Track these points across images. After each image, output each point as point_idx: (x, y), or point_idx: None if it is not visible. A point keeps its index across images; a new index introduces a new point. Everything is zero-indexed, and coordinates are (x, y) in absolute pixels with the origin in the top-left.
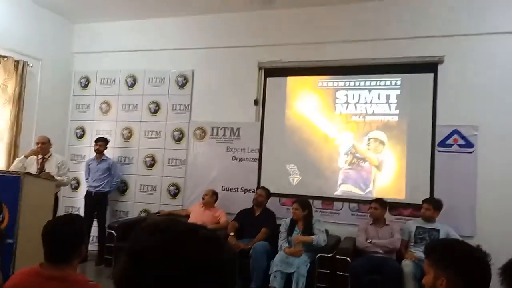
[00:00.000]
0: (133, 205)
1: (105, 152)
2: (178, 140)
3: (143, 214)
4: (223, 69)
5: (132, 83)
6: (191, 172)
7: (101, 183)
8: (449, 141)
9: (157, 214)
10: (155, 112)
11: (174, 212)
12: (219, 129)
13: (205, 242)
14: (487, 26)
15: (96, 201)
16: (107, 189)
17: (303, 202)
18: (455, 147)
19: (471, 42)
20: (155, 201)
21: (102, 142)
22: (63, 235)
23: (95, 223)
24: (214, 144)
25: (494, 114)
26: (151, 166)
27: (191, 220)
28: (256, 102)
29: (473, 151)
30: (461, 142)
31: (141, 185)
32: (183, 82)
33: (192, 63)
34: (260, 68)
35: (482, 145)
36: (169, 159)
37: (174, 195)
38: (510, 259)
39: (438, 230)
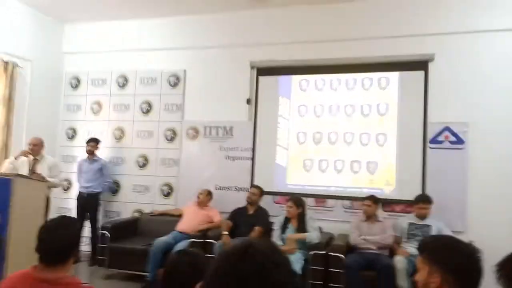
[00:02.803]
0: (126, 205)
1: (97, 152)
2: (171, 139)
3: (135, 214)
4: (215, 68)
5: (123, 83)
6: (184, 171)
7: (93, 183)
8: (440, 138)
9: (150, 214)
10: (147, 112)
11: (167, 212)
12: (212, 128)
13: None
14: (477, 24)
15: (88, 202)
16: (99, 190)
17: (297, 199)
18: (446, 144)
19: (461, 40)
20: (148, 201)
21: (93, 143)
22: (59, 238)
23: (87, 223)
24: (207, 144)
25: (484, 111)
26: (143, 166)
27: (184, 219)
28: (248, 101)
29: (463, 148)
30: (452, 138)
31: (133, 185)
32: (175, 81)
33: (184, 63)
34: (252, 67)
35: (473, 142)
36: (161, 158)
37: (167, 194)
38: (506, 255)
39: (430, 226)
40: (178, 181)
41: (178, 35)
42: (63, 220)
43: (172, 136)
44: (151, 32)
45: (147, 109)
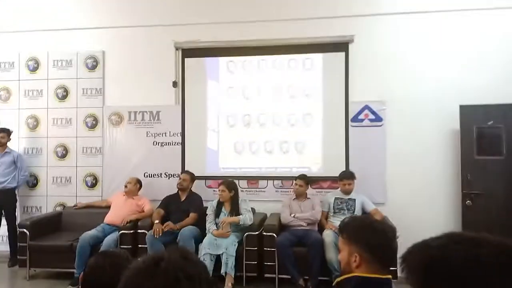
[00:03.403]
0: (47, 199)
1: (8, 144)
2: (92, 127)
3: (58, 208)
4: (137, 49)
5: (34, 66)
6: (109, 160)
7: (7, 178)
8: (361, 116)
9: (74, 208)
10: (63, 97)
11: (93, 204)
12: (137, 113)
13: None
14: (394, 6)
15: (3, 199)
16: (14, 185)
17: (229, 183)
18: (366, 122)
19: (379, 22)
20: (71, 193)
21: (3, 133)
22: None
23: (4, 221)
24: (132, 130)
25: (400, 90)
26: (63, 156)
27: (112, 210)
28: (175, 84)
29: (382, 125)
30: (372, 116)
31: (53, 177)
32: (93, 64)
33: (102, 44)
34: (177, 49)
35: (390, 119)
36: (83, 147)
37: (92, 185)
38: (409, 247)
39: (354, 200)
40: (103, 170)
41: (95, 13)
42: None
43: (93, 123)
44: (64, 10)
45: (64, 94)
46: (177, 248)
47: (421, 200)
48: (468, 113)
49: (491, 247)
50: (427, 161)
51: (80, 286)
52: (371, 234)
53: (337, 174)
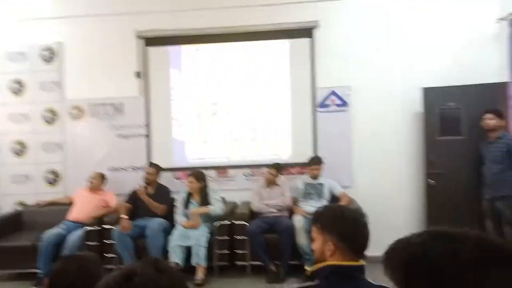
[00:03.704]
0: (5, 199)
1: None
2: (51, 121)
3: (18, 208)
4: (96, 40)
5: None
6: (70, 155)
7: None
8: (327, 102)
9: (35, 206)
10: (18, 92)
11: (55, 201)
12: (99, 106)
13: None
14: None
15: None
16: None
17: (197, 174)
18: (332, 107)
19: (343, 6)
20: (31, 191)
21: None
22: None
23: None
24: (94, 123)
25: (364, 74)
26: (21, 153)
27: (76, 206)
28: (138, 75)
29: (347, 110)
30: (338, 102)
31: (11, 175)
32: (50, 56)
33: (58, 35)
34: (138, 37)
35: (355, 104)
36: (42, 143)
37: (53, 182)
38: (392, 244)
39: (323, 184)
40: (65, 166)
41: (50, 3)
42: None
43: (51, 117)
44: None
45: (18, 88)
46: (151, 259)
47: (386, 182)
48: (430, 95)
49: (469, 242)
50: (392, 143)
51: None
52: (344, 223)
53: (305, 160)
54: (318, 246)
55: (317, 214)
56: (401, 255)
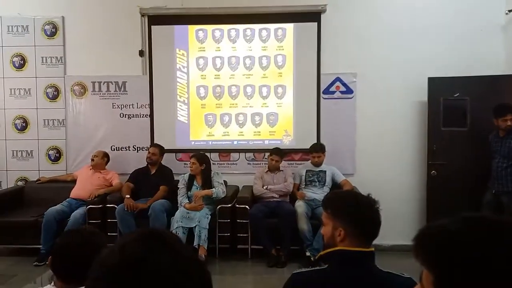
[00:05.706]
0: (7, 174)
1: None
2: (54, 98)
3: (20, 183)
4: (99, 16)
5: None
6: (73, 133)
7: None
8: (332, 88)
9: (37, 182)
10: (20, 66)
11: (57, 178)
12: (102, 83)
13: None
14: None
15: None
16: None
17: (200, 156)
18: (337, 94)
19: None
20: (33, 167)
21: None
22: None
23: None
24: (97, 101)
25: (370, 62)
26: (23, 129)
27: (79, 184)
28: (141, 53)
29: (352, 97)
30: (343, 89)
31: (13, 151)
32: (52, 31)
33: (61, 9)
34: (142, 15)
35: (360, 91)
36: (44, 119)
37: (56, 159)
38: (422, 229)
39: (325, 172)
40: (67, 143)
41: None
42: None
43: (54, 93)
44: None
45: (21, 63)
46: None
47: (388, 171)
48: (435, 85)
49: (507, 229)
50: (396, 132)
51: (48, 263)
52: (358, 209)
53: (308, 147)
54: (328, 231)
55: (327, 199)
56: (439, 241)
